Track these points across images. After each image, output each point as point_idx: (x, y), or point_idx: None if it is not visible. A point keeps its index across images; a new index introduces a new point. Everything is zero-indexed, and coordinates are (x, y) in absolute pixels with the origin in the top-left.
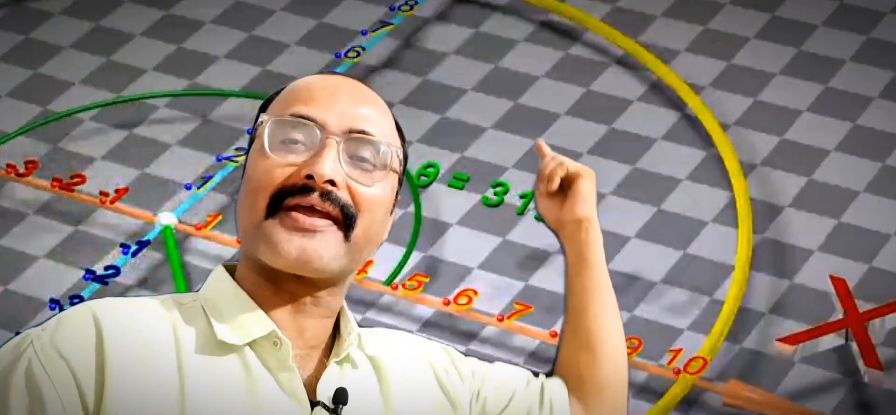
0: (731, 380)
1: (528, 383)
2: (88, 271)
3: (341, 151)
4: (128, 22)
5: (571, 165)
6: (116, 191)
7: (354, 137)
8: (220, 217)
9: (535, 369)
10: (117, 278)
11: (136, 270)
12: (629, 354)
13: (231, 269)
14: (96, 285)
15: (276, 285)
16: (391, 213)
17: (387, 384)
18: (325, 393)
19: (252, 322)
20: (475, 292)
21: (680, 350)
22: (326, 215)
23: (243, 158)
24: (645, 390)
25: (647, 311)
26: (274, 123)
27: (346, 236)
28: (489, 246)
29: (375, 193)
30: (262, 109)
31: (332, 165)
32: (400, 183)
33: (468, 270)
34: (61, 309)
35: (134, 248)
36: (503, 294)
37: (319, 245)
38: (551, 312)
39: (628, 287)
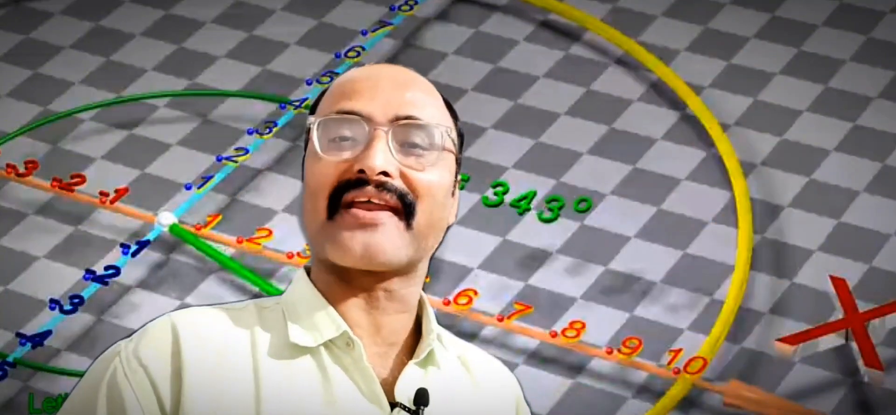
0: (731, 380)
1: None
2: (88, 271)
3: (391, 140)
4: (128, 22)
5: None
6: (116, 191)
7: (402, 123)
8: (219, 217)
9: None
10: (117, 278)
11: (136, 270)
12: (629, 354)
13: (311, 270)
14: (96, 285)
15: (347, 283)
16: (454, 194)
17: (475, 388)
18: (404, 393)
19: (325, 323)
20: (475, 292)
21: (680, 350)
22: (385, 206)
23: (244, 157)
24: (645, 390)
25: (647, 311)
26: (322, 123)
27: (408, 225)
28: (489, 246)
29: (431, 177)
30: (311, 111)
31: (382, 157)
32: (458, 163)
33: (468, 270)
34: (61, 309)
35: (134, 248)
36: (503, 294)
37: (383, 238)
38: (551, 312)
39: (628, 287)
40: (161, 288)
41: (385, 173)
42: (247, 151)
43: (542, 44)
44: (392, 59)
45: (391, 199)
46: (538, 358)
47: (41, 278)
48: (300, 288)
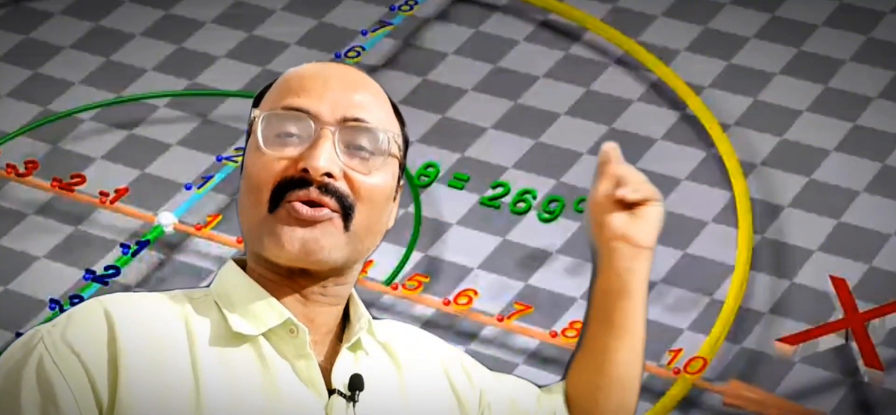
0: (731, 380)
1: (537, 399)
2: (88, 271)
3: (336, 140)
4: (128, 22)
5: (651, 185)
6: (116, 191)
7: (349, 125)
8: (220, 217)
9: (537, 383)
10: (117, 278)
11: (136, 270)
12: None
13: (241, 263)
14: (96, 285)
15: (282, 279)
16: (395, 199)
17: (400, 370)
18: (340, 380)
19: (266, 312)
20: (475, 292)
21: (680, 350)
22: (326, 206)
23: (242, 157)
24: (645, 390)
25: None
26: (267, 117)
27: (346, 227)
28: (489, 246)
29: (375, 181)
30: (256, 104)
31: (327, 157)
32: (401, 168)
33: (468, 270)
34: (61, 309)
35: (134, 248)
36: (503, 294)
37: (321, 235)
38: (551, 312)
39: None
40: (161, 288)
41: (329, 175)
42: (244, 148)
43: (542, 44)
44: (392, 59)
45: (332, 201)
46: (538, 358)
47: (41, 278)
48: (233, 279)
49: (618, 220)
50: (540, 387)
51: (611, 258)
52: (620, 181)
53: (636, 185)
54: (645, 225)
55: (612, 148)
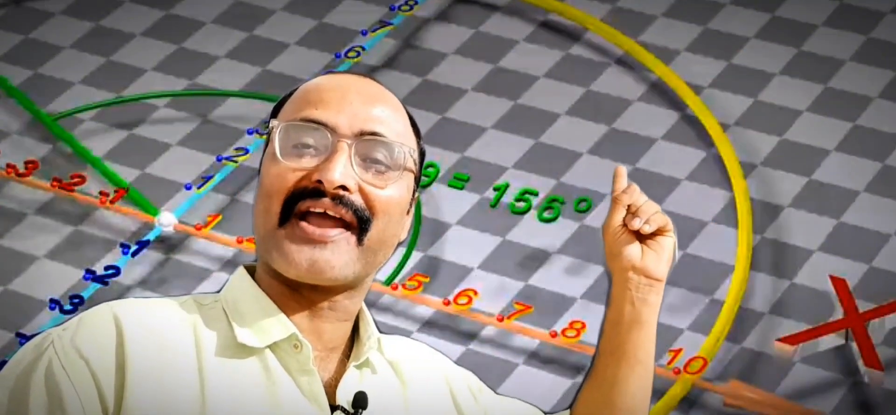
0: (731, 380)
1: None
2: (88, 271)
3: (353, 153)
4: (128, 22)
5: (664, 215)
6: (116, 191)
7: (366, 139)
8: (220, 217)
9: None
10: (117, 278)
11: (137, 270)
12: None
13: (252, 270)
14: (96, 285)
15: (292, 290)
16: (408, 212)
17: (405, 389)
18: (344, 397)
19: (272, 325)
20: (475, 292)
21: (680, 350)
22: (340, 220)
23: (244, 157)
24: None
25: None
26: (285, 127)
27: (360, 240)
28: (489, 246)
29: (390, 194)
30: (274, 113)
31: (342, 170)
32: (416, 181)
33: (468, 270)
34: (61, 309)
35: (134, 248)
36: (503, 294)
37: (331, 255)
38: (551, 312)
39: None
40: (161, 288)
41: (344, 187)
42: (247, 151)
43: (542, 44)
44: (392, 59)
45: (347, 213)
46: (538, 358)
47: (41, 278)
48: (243, 287)
49: (632, 251)
50: (545, 413)
51: (624, 288)
52: (634, 211)
53: (649, 216)
54: (659, 257)
55: (621, 174)
